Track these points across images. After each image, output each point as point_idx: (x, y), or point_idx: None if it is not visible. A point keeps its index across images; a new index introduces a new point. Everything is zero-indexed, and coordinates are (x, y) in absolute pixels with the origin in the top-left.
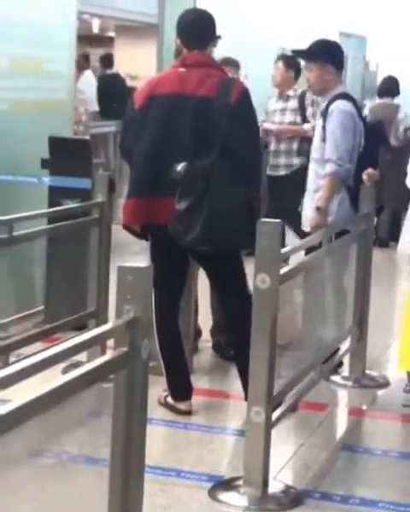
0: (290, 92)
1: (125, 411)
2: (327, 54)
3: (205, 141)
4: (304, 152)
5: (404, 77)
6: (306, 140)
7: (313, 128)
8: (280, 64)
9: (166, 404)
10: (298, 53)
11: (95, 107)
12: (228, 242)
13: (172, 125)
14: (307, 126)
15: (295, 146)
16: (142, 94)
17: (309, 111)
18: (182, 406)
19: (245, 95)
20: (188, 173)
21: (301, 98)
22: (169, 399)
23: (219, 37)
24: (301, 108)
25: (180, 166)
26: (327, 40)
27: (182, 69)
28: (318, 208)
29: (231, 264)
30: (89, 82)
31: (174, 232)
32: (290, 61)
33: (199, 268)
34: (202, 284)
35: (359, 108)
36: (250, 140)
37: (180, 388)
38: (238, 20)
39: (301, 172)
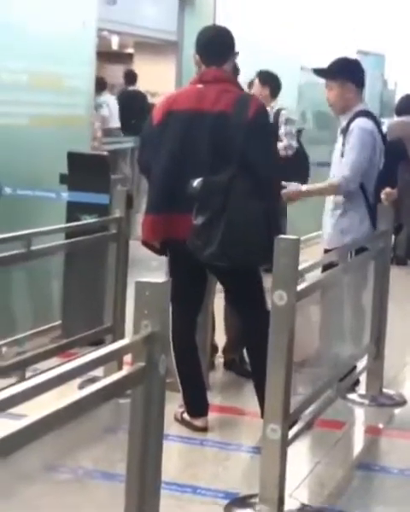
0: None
1: (141, 427)
2: (347, 72)
3: (222, 156)
4: None
5: None
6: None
7: (285, 148)
8: (256, 81)
9: (182, 421)
10: (318, 72)
11: (116, 123)
12: (246, 258)
13: (190, 140)
14: (279, 145)
15: None
16: (160, 110)
17: (282, 130)
18: (198, 422)
19: (262, 110)
20: (204, 188)
21: (276, 116)
22: (185, 415)
23: (237, 53)
24: (275, 126)
25: (197, 182)
26: (347, 58)
27: (200, 85)
28: (303, 189)
29: (249, 280)
30: (106, 100)
31: (192, 247)
32: (265, 78)
33: (216, 283)
34: (218, 301)
35: (380, 126)
36: (267, 155)
37: (196, 405)
38: (257, 37)
39: None
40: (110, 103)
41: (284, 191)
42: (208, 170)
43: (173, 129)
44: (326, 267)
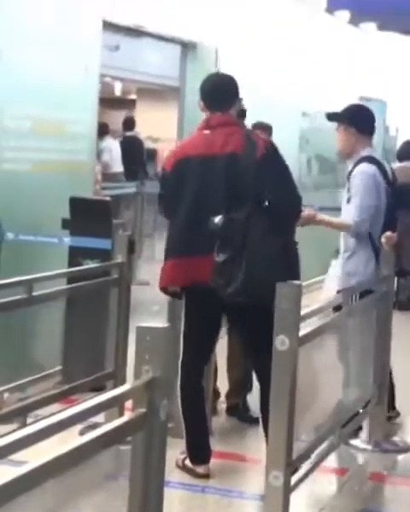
0: None
1: (142, 474)
2: (353, 117)
3: (238, 196)
4: None
5: None
6: None
7: None
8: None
9: (183, 467)
10: (329, 116)
11: (119, 167)
12: (267, 294)
13: (205, 184)
14: None
15: None
16: (172, 158)
17: None
18: (200, 470)
19: (270, 145)
20: (224, 226)
21: None
22: (187, 462)
23: (240, 98)
24: None
25: (218, 218)
26: (358, 105)
27: (206, 131)
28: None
29: (268, 318)
30: (109, 145)
31: (215, 285)
32: (260, 128)
33: (220, 330)
34: (219, 347)
35: (385, 171)
36: (283, 188)
37: (199, 452)
38: (259, 84)
39: None
40: (113, 148)
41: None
42: (226, 210)
43: (187, 176)
44: (337, 308)
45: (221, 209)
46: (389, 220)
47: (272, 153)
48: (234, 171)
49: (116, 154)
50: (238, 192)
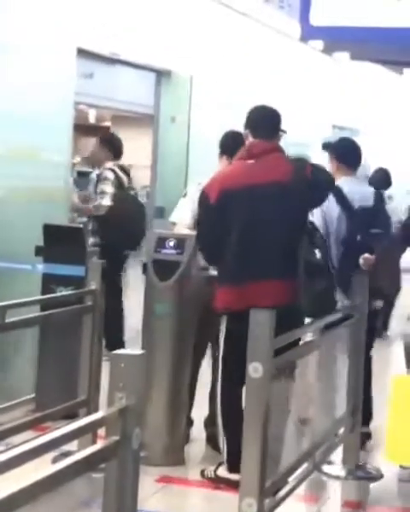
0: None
1: (115, 502)
2: (333, 148)
3: (287, 222)
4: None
5: (396, 169)
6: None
7: (95, 207)
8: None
9: (216, 478)
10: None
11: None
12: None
13: (254, 213)
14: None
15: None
16: (215, 189)
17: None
18: (237, 477)
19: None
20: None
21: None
22: (223, 472)
23: (284, 131)
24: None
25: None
26: (344, 138)
27: (250, 161)
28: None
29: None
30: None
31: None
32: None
33: (204, 357)
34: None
35: (345, 200)
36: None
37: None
38: (233, 112)
39: None
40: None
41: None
42: (278, 237)
43: (232, 207)
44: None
45: (272, 236)
46: (356, 243)
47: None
48: (284, 199)
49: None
50: (287, 219)
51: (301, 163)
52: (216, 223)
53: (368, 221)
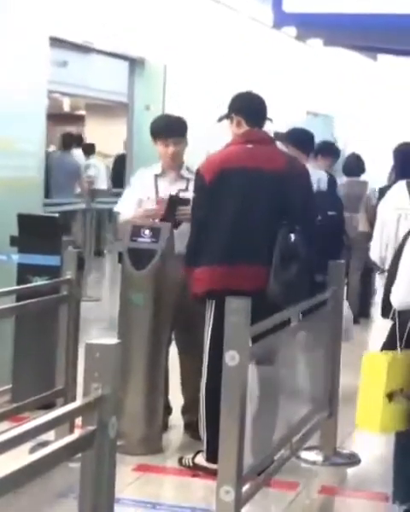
0: None
1: (92, 491)
2: (288, 138)
3: (277, 211)
4: None
5: (370, 154)
6: None
7: None
8: None
9: (195, 467)
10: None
11: (103, 184)
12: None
13: (250, 196)
14: None
15: None
16: (210, 170)
17: None
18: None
19: (303, 166)
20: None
21: None
22: (201, 461)
23: (270, 120)
24: None
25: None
26: (296, 128)
27: (249, 145)
28: None
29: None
30: (95, 162)
31: (274, 293)
32: None
33: (170, 344)
34: (172, 361)
35: None
36: (314, 208)
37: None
38: (206, 100)
39: None
40: (98, 166)
41: None
42: (266, 224)
43: (231, 186)
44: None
45: (261, 222)
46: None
47: (306, 172)
48: (279, 188)
49: (101, 171)
50: (280, 207)
51: (292, 157)
52: (210, 203)
53: (324, 204)
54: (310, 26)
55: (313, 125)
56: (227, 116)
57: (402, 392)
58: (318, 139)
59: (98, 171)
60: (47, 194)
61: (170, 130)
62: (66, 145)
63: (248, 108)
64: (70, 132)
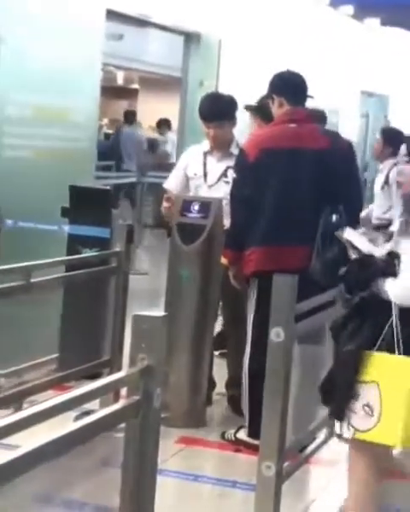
0: None
1: (135, 461)
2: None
3: (324, 190)
4: None
5: None
6: None
7: None
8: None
9: (236, 441)
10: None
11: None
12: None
13: (295, 176)
14: None
15: None
16: (253, 148)
17: None
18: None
19: (349, 145)
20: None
21: None
22: (243, 436)
23: (312, 97)
24: None
25: (334, 217)
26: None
27: (292, 125)
28: None
29: None
30: (171, 138)
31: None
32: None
33: (217, 319)
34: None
35: None
36: (360, 188)
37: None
38: (261, 76)
39: None
40: (175, 141)
41: None
42: (313, 204)
43: (276, 166)
44: None
45: (309, 201)
46: None
47: (354, 154)
48: (324, 167)
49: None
50: (325, 187)
51: (335, 135)
52: (253, 181)
53: None
54: (367, 4)
55: (367, 104)
56: (268, 97)
57: None
58: (371, 119)
59: (173, 147)
60: (119, 164)
61: (212, 114)
62: (129, 120)
63: (289, 87)
64: (132, 109)
